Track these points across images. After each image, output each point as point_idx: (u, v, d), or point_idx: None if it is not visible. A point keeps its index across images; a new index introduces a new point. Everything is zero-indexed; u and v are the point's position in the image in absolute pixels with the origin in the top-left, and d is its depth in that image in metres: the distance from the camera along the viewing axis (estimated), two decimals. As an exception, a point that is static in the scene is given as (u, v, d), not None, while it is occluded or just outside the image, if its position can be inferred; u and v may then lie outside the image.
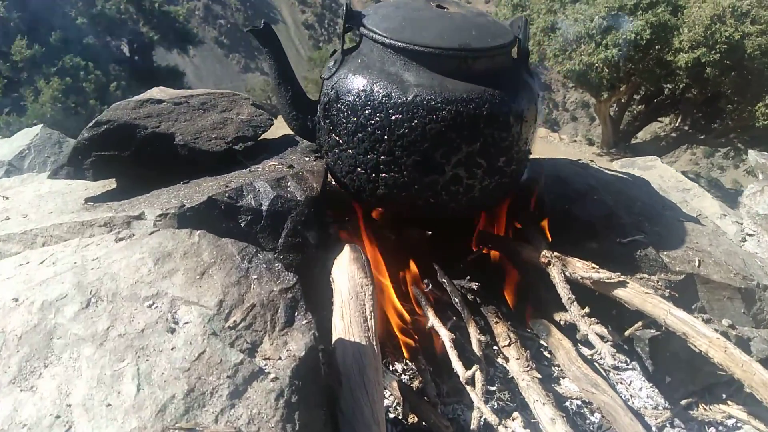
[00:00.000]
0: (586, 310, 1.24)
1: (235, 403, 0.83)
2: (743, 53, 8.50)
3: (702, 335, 1.18)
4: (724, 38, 8.37)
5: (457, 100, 1.25)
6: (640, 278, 1.38)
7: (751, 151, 2.60)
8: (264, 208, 1.32)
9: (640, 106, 11.04)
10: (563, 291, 1.29)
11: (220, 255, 1.07)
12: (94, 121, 1.44)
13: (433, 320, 1.36)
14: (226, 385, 0.85)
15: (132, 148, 1.41)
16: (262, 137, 1.68)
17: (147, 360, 0.86)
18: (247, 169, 1.45)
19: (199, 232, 1.11)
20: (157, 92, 1.64)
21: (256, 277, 1.04)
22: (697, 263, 1.43)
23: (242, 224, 1.31)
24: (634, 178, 1.71)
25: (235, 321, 0.95)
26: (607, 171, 1.71)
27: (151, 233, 1.14)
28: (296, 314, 1.00)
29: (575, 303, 1.26)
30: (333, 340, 1.19)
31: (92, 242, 1.15)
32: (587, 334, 1.19)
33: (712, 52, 8.47)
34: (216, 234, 1.26)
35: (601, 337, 1.30)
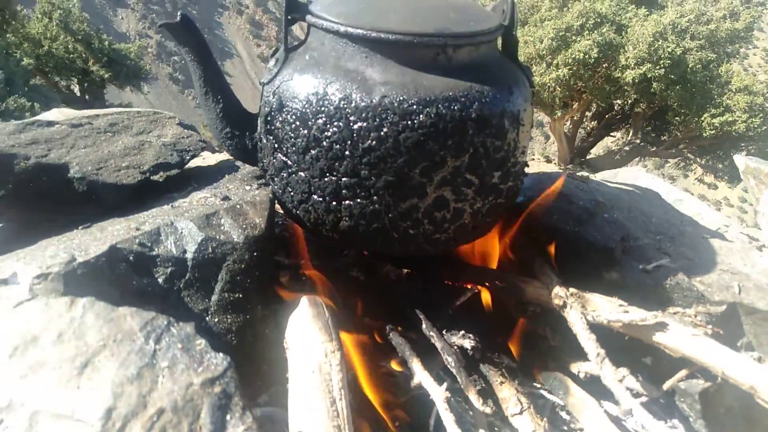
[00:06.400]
0: (625, 372, 0.95)
1: None
2: (686, 67, 8.81)
3: (776, 388, 0.91)
4: (667, 54, 8.65)
5: (438, 100, 0.96)
6: (674, 313, 1.11)
7: (737, 157, 2.43)
8: (189, 256, 0.98)
9: (592, 123, 11.26)
10: (588, 344, 1.00)
11: (114, 334, 0.72)
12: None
13: (420, 375, 1.05)
14: None
15: (8, 187, 1.05)
16: (192, 164, 1.35)
17: None
18: (169, 205, 1.12)
19: (84, 300, 0.77)
20: (53, 114, 1.30)
21: (166, 364, 0.70)
22: (737, 289, 1.17)
23: (160, 280, 0.97)
24: (642, 191, 1.47)
25: (130, 442, 0.61)
26: (610, 184, 1.45)
27: (16, 306, 0.79)
28: (228, 417, 0.66)
29: (607, 360, 0.97)
30: (290, 436, 0.86)
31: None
32: (630, 409, 0.90)
33: (657, 68, 8.72)
34: (122, 297, 0.92)
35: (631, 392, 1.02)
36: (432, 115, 0.96)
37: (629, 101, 9.99)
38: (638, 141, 10.60)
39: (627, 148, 10.78)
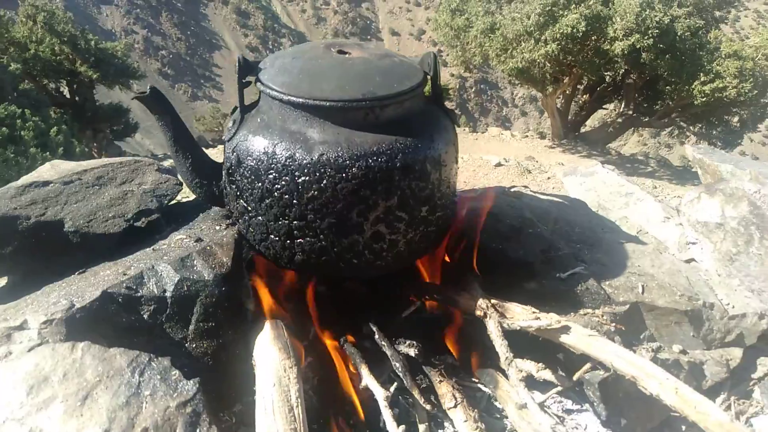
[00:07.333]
0: (531, 371, 1.15)
1: None
2: (674, 36, 8.82)
3: (651, 377, 1.11)
4: (655, 23, 8.66)
5: (367, 155, 1.15)
6: (584, 314, 1.31)
7: (687, 147, 2.59)
8: (168, 294, 1.18)
9: (584, 96, 11.31)
10: (501, 349, 1.20)
11: (107, 371, 0.93)
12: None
13: (366, 379, 1.26)
14: None
15: (14, 244, 1.26)
16: (173, 201, 1.55)
17: None
18: (151, 248, 1.32)
19: (82, 344, 0.97)
20: (47, 170, 1.49)
21: (149, 392, 0.91)
22: (640, 289, 1.36)
23: (145, 316, 1.17)
24: (570, 201, 1.65)
25: (122, 457, 0.81)
26: (542, 197, 1.63)
27: (29, 350, 1.00)
28: (198, 431, 0.87)
29: (514, 363, 1.17)
30: (257, 439, 1.06)
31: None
32: (525, 403, 1.11)
33: (646, 38, 8.73)
34: (115, 333, 1.12)
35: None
36: (363, 167, 1.15)
37: (620, 73, 10.03)
38: (631, 112, 10.66)
39: (620, 119, 10.86)
